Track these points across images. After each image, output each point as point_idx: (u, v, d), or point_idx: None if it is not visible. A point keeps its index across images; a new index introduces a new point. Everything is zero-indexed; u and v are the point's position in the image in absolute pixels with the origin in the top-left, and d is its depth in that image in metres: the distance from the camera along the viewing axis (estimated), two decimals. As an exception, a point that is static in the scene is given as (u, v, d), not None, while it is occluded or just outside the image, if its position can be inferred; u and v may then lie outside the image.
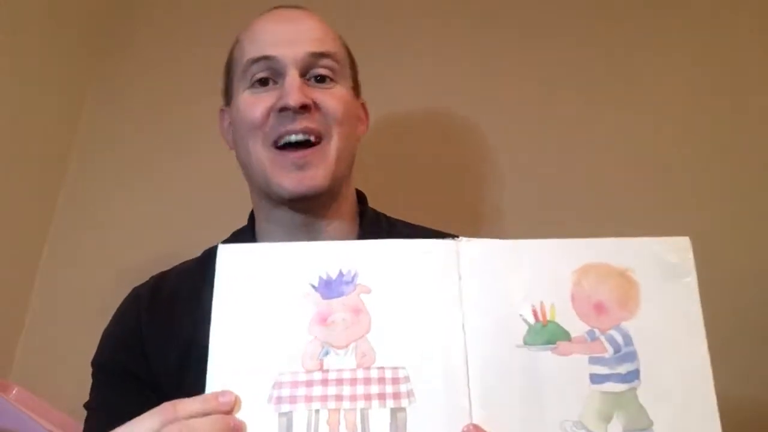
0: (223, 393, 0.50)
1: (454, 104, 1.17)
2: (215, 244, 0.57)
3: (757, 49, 1.11)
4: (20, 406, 0.83)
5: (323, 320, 0.53)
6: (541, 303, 0.53)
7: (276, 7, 0.77)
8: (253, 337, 0.52)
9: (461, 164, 1.16)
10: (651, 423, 0.50)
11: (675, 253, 0.55)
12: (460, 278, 0.53)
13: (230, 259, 0.55)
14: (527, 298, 0.53)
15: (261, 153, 0.70)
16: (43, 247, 1.19)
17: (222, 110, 0.81)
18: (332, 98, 0.72)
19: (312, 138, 0.70)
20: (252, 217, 0.79)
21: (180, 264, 0.78)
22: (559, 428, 0.50)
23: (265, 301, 0.53)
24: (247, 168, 0.74)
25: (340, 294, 0.53)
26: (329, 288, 0.53)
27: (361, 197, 0.82)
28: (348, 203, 0.77)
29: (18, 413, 0.76)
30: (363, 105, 0.82)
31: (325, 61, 0.72)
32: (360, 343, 0.52)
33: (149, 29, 1.32)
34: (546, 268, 0.54)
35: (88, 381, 0.71)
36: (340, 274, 0.54)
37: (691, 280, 0.54)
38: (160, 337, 0.69)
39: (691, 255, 0.55)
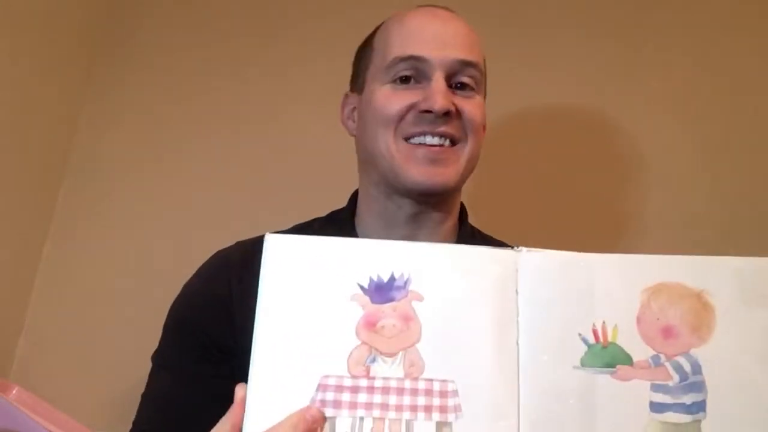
0: None
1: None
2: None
3: None
4: (20, 406, 0.83)
5: (371, 325, 0.51)
6: (603, 323, 0.50)
7: (427, 5, 0.76)
8: (298, 334, 0.51)
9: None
10: (714, 460, 0.47)
11: (760, 275, 0.50)
12: (517, 292, 0.50)
13: (278, 250, 0.53)
14: (588, 317, 0.50)
15: (392, 144, 0.71)
16: (43, 247, 1.18)
17: (346, 95, 0.81)
18: (473, 106, 0.73)
19: (447, 143, 0.71)
20: (353, 202, 0.79)
21: (241, 241, 0.77)
22: (612, 458, 0.47)
23: (312, 298, 0.52)
24: (371, 157, 0.74)
25: (391, 299, 0.51)
26: (380, 292, 0.52)
27: (462, 210, 0.81)
28: (456, 209, 0.78)
29: (18, 413, 0.77)
30: None
31: (471, 71, 0.73)
32: (409, 353, 0.51)
33: (149, 30, 1.29)
34: (612, 285, 0.51)
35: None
36: (392, 278, 0.52)
37: (775, 306, 0.49)
38: (250, 308, 0.68)
39: (777, 279, 0.50)
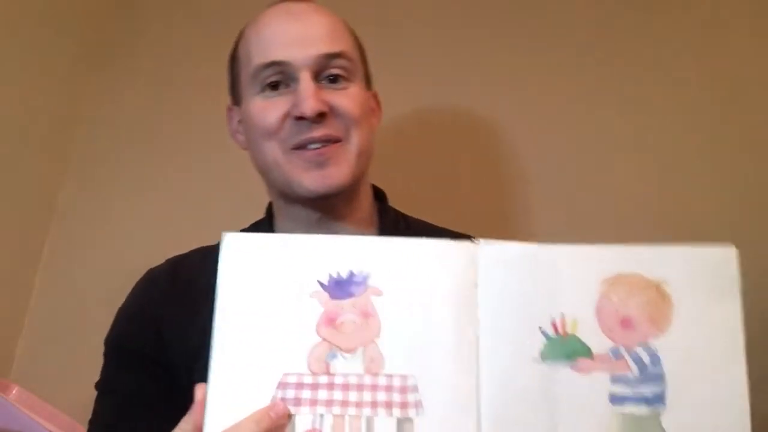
0: None
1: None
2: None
3: None
4: (20, 406, 0.84)
5: (331, 321, 0.51)
6: (562, 315, 0.50)
7: (279, 1, 0.73)
8: (258, 332, 0.50)
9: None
10: (674, 452, 0.47)
11: (718, 265, 0.50)
12: (476, 285, 0.50)
13: (236, 248, 0.53)
14: (548, 309, 0.50)
15: (279, 156, 0.69)
16: (43, 247, 1.19)
17: (230, 108, 0.78)
18: (347, 99, 0.70)
19: (330, 144, 0.68)
20: (270, 210, 0.78)
21: (197, 249, 0.77)
22: (572, 451, 0.47)
23: (271, 296, 0.51)
24: (264, 169, 0.72)
25: (350, 295, 0.51)
26: (339, 288, 0.51)
27: (379, 194, 0.79)
28: (367, 199, 0.76)
29: (18, 413, 0.78)
30: (375, 95, 0.79)
31: (338, 62, 0.70)
32: (369, 348, 0.50)
33: (150, 31, 1.29)
34: (571, 276, 0.50)
35: (89, 381, 0.72)
36: (351, 274, 0.52)
37: (734, 296, 0.49)
38: (178, 322, 0.69)
39: (736, 267, 0.50)
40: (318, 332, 0.51)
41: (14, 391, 0.95)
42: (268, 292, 0.51)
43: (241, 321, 0.51)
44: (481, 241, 0.52)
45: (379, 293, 0.51)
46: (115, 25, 1.30)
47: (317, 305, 0.51)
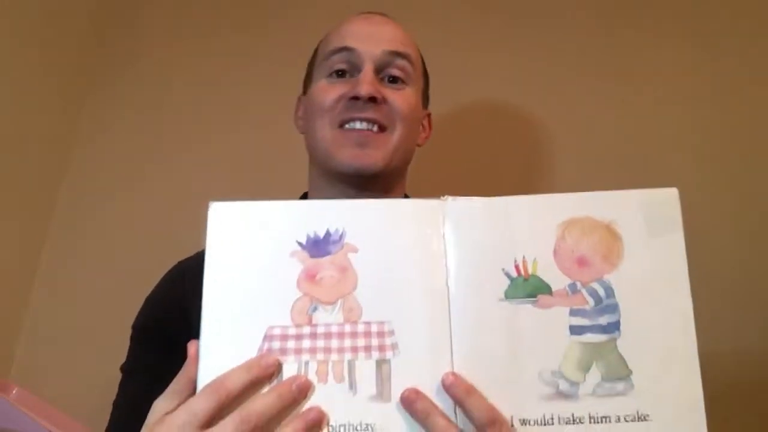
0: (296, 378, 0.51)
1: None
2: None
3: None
4: (20, 406, 0.81)
5: (311, 277, 0.55)
6: (523, 258, 0.54)
7: (365, 12, 0.83)
8: (244, 291, 0.54)
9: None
10: (630, 372, 0.51)
11: (661, 205, 0.55)
12: (444, 236, 0.55)
13: (222, 216, 0.57)
14: (510, 254, 0.54)
15: (326, 132, 0.77)
16: (43, 247, 1.19)
17: (299, 98, 0.88)
18: (400, 97, 0.78)
19: (375, 128, 0.76)
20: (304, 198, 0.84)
21: (201, 251, 0.80)
22: (537, 377, 0.51)
23: (254, 257, 0.55)
24: (312, 147, 0.80)
25: (327, 253, 0.55)
26: (317, 247, 0.55)
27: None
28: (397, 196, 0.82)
29: (18, 413, 0.77)
30: (428, 116, 0.87)
31: (401, 62, 0.79)
32: (347, 300, 0.54)
33: (150, 32, 1.32)
34: (530, 223, 0.55)
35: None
36: (328, 233, 0.56)
37: (677, 233, 0.54)
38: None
39: (678, 207, 0.55)
40: (299, 287, 0.55)
41: (14, 391, 0.92)
42: (252, 253, 0.55)
43: (228, 281, 0.55)
44: (448, 197, 0.56)
45: (354, 250, 0.55)
46: (117, 24, 1.31)
47: (298, 263, 0.55)
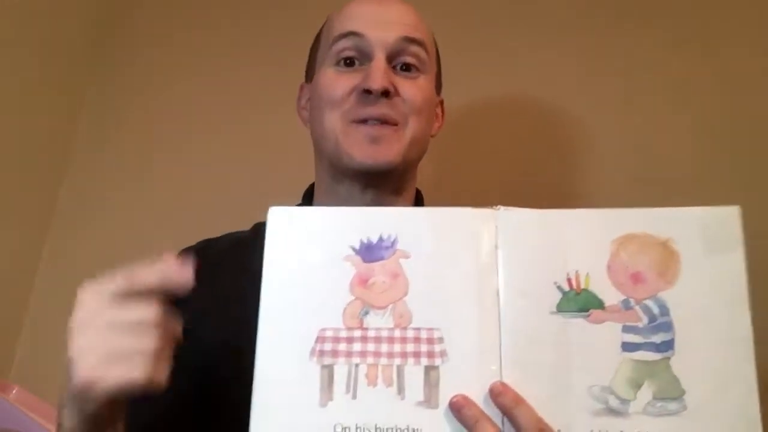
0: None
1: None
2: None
3: None
4: (20, 406, 0.83)
5: (363, 282, 0.56)
6: (576, 272, 0.54)
7: None
8: (298, 293, 0.56)
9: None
10: (683, 392, 0.51)
11: (722, 223, 0.54)
12: (496, 247, 0.55)
13: (280, 220, 0.58)
14: (563, 267, 0.54)
15: (338, 127, 0.72)
16: (43, 247, 1.19)
17: (302, 86, 0.83)
18: (414, 87, 0.73)
19: (387, 124, 0.72)
20: (308, 195, 0.82)
21: (228, 234, 0.82)
22: (587, 393, 0.51)
23: (309, 260, 0.57)
24: (318, 140, 0.76)
25: (380, 258, 0.56)
26: (370, 252, 0.57)
27: (419, 195, 0.82)
28: (410, 195, 0.79)
29: (18, 413, 0.78)
30: (441, 103, 0.83)
31: (415, 49, 0.73)
32: (398, 305, 0.55)
33: (149, 31, 1.32)
34: (584, 237, 0.55)
35: None
36: (380, 239, 0.57)
37: (737, 251, 0.53)
38: (201, 293, 0.73)
39: (739, 225, 0.53)
40: (352, 292, 0.56)
41: (14, 391, 0.95)
42: (307, 256, 0.57)
43: (285, 283, 0.56)
44: (501, 207, 0.56)
45: (406, 256, 0.56)
46: (117, 23, 1.32)
47: (351, 268, 0.56)
